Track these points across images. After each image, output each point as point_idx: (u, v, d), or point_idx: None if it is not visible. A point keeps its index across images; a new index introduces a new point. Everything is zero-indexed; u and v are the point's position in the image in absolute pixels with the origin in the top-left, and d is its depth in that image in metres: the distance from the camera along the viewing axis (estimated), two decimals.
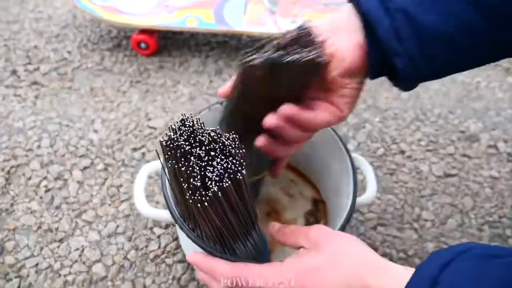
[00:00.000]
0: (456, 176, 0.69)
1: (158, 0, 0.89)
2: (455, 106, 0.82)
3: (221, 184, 0.34)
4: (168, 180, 0.42)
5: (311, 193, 0.63)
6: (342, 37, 0.37)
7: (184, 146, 0.35)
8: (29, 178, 0.68)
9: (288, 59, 0.36)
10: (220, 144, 0.37)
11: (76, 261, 0.59)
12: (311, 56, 0.36)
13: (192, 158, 0.35)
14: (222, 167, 0.35)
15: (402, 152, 0.73)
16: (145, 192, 0.66)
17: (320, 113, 0.40)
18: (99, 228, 0.63)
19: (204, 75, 0.86)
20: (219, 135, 0.37)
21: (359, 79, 0.39)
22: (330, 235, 0.36)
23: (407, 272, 0.30)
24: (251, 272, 0.37)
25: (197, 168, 0.34)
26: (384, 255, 0.60)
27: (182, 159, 0.35)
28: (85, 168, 0.70)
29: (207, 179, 0.34)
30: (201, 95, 0.82)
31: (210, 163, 0.35)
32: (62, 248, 0.61)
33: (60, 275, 0.58)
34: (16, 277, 0.58)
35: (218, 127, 0.38)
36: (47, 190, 0.67)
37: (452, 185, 0.68)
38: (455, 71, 0.39)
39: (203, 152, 0.35)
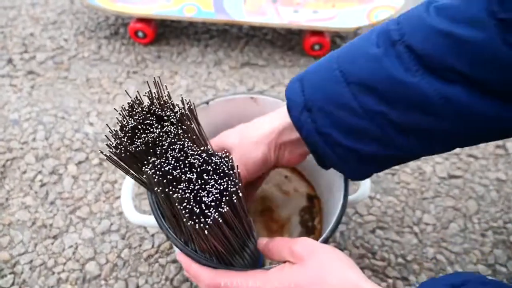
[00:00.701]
0: (461, 178, 0.67)
1: None
2: None
3: (219, 209, 0.32)
4: (154, 203, 0.41)
5: (306, 190, 0.61)
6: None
7: (173, 172, 0.34)
8: (24, 172, 0.67)
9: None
10: (213, 165, 0.35)
11: (70, 258, 0.59)
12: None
13: (182, 184, 0.33)
14: (218, 190, 0.33)
15: None
16: (137, 191, 0.65)
17: None
18: (93, 225, 0.62)
19: (203, 66, 0.83)
20: (210, 155, 0.35)
21: None
22: (314, 250, 0.36)
23: None
24: (233, 279, 0.37)
25: (190, 193, 0.33)
26: (382, 259, 0.58)
27: (173, 185, 0.33)
28: (80, 162, 0.69)
29: (203, 204, 0.33)
30: (198, 87, 0.79)
31: (203, 186, 0.34)
32: (56, 245, 0.60)
33: (53, 273, 0.58)
34: (10, 273, 0.57)
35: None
36: (42, 185, 0.66)
37: (456, 187, 0.66)
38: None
39: (194, 174, 0.34)
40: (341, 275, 0.33)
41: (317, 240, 0.40)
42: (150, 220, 0.50)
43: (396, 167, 0.68)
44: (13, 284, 0.57)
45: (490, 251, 0.59)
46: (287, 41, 0.90)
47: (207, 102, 0.55)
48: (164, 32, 0.90)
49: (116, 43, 0.86)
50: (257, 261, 0.47)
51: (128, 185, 0.51)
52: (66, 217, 0.63)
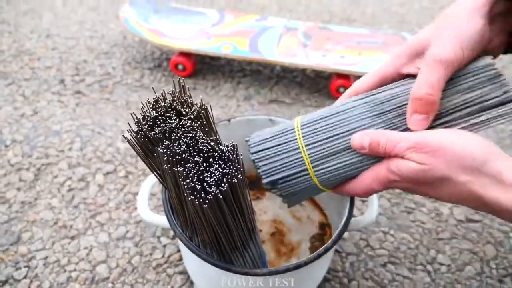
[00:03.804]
0: (480, 222, 0.65)
1: (200, 27, 0.94)
2: None
3: (220, 188, 0.35)
4: (166, 188, 0.44)
5: (319, 218, 0.62)
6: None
7: (182, 154, 0.37)
8: (56, 177, 0.72)
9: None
10: (219, 152, 0.38)
11: (82, 259, 0.61)
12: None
13: (189, 165, 0.36)
14: (220, 173, 0.36)
15: None
16: (154, 201, 0.68)
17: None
18: (110, 230, 0.64)
19: (233, 100, 0.88)
20: (218, 144, 0.39)
21: None
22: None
23: None
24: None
25: (195, 172, 0.35)
26: None
27: (180, 163, 0.36)
28: (107, 173, 0.73)
29: (205, 183, 0.35)
30: (227, 117, 0.84)
31: (208, 169, 0.36)
32: (72, 245, 0.63)
33: (65, 270, 0.60)
34: (25, 266, 0.60)
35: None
36: (70, 190, 0.70)
37: (474, 231, 0.64)
38: None
39: (201, 158, 0.37)
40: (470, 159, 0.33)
41: None
42: (160, 220, 0.52)
43: (413, 205, 0.68)
44: (25, 277, 0.59)
45: None
46: (315, 84, 0.94)
47: (228, 120, 0.59)
48: (202, 68, 0.97)
49: (158, 74, 0.94)
50: (258, 267, 0.47)
51: (146, 186, 0.54)
52: (86, 220, 0.66)
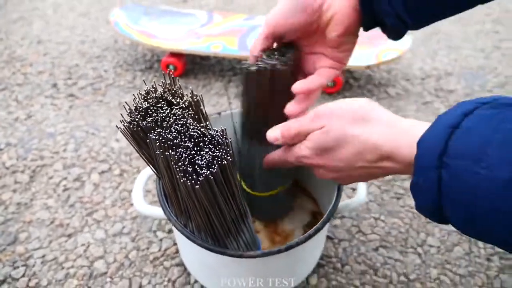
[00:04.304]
0: None
1: (189, 27, 0.96)
2: None
3: (210, 169, 0.36)
4: (160, 177, 0.45)
5: (311, 207, 0.63)
6: (338, 2, 0.43)
7: (174, 140, 0.38)
8: (51, 178, 0.73)
9: (261, 66, 0.45)
10: (209, 137, 0.39)
11: (80, 255, 0.62)
12: (277, 64, 0.44)
13: (180, 149, 0.38)
14: (211, 156, 0.37)
15: None
16: (150, 198, 0.69)
17: (324, 72, 0.47)
18: (107, 227, 0.65)
19: (224, 97, 0.90)
20: (208, 130, 0.40)
21: (355, 36, 0.45)
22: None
23: (418, 127, 0.33)
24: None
25: (187, 156, 0.37)
26: (384, 277, 0.58)
27: (172, 148, 0.37)
28: (102, 172, 0.74)
29: (197, 166, 0.37)
30: None
31: (199, 153, 0.38)
32: (69, 243, 0.63)
33: (63, 268, 0.60)
34: (23, 265, 0.61)
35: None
36: (65, 189, 0.71)
37: None
38: (437, 20, 0.43)
39: (192, 143, 0.38)
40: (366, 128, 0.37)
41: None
42: (154, 211, 0.53)
43: (402, 191, 0.70)
44: (23, 275, 0.60)
45: (496, 275, 0.58)
46: None
47: (219, 113, 0.61)
48: (193, 68, 0.99)
49: (150, 75, 0.96)
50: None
51: (141, 179, 0.55)
52: (82, 218, 0.67)
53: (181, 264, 0.60)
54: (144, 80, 0.56)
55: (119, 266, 0.61)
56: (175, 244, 0.63)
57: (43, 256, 0.62)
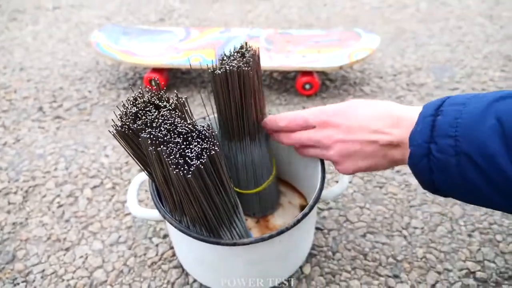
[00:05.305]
0: None
1: (168, 44, 0.99)
2: None
3: (200, 160, 0.39)
4: (152, 177, 0.48)
5: (299, 201, 0.66)
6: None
7: (164, 137, 0.41)
8: (44, 196, 0.74)
9: (227, 68, 0.48)
10: (196, 132, 0.43)
11: (79, 267, 0.63)
12: (242, 66, 0.48)
13: (171, 145, 0.41)
14: (199, 148, 0.40)
15: None
16: (143, 206, 0.71)
17: None
18: (103, 238, 0.67)
19: (208, 107, 0.93)
20: (194, 126, 0.43)
21: None
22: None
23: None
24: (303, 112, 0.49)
25: (177, 150, 0.40)
26: (373, 260, 0.61)
27: (163, 145, 0.40)
28: (95, 187, 0.76)
29: (187, 158, 0.40)
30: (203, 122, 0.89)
31: (188, 146, 0.41)
32: (67, 256, 0.65)
33: (63, 280, 0.62)
34: (23, 281, 0.62)
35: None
36: (59, 206, 0.73)
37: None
38: None
39: (181, 139, 0.41)
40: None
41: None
42: (149, 213, 0.56)
43: (384, 180, 0.73)
44: None
45: (478, 249, 0.61)
46: (283, 84, 1.00)
47: (204, 118, 0.64)
48: (175, 82, 1.02)
49: (133, 92, 0.98)
50: None
51: (134, 185, 0.58)
52: (79, 232, 0.68)
53: (178, 266, 0.62)
54: (130, 86, 0.59)
55: (118, 273, 0.62)
56: (171, 248, 0.65)
57: (43, 271, 0.63)
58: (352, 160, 0.45)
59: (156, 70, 0.96)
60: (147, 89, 0.49)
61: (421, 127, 0.37)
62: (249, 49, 0.52)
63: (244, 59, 0.49)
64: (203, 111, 0.92)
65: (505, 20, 1.28)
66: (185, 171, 0.38)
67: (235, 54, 0.51)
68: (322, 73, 1.03)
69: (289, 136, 0.52)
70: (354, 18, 1.35)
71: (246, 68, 0.48)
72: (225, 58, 0.51)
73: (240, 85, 0.50)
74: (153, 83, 0.96)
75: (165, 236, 0.67)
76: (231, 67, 0.48)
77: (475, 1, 1.42)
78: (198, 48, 0.97)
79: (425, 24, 1.29)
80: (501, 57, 1.09)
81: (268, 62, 0.91)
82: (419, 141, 0.37)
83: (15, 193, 0.75)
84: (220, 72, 0.49)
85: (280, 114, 0.52)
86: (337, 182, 0.74)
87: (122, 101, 0.47)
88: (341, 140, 0.45)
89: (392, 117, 0.41)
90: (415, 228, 0.65)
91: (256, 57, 0.51)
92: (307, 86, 0.93)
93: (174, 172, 0.38)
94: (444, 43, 1.17)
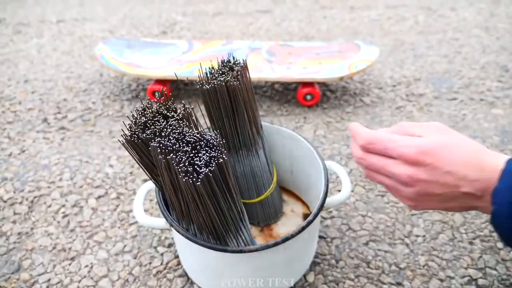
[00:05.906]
0: None
1: (172, 56, 1.01)
2: None
3: (209, 168, 0.40)
4: (160, 186, 0.49)
5: (302, 209, 0.67)
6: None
7: (173, 146, 0.42)
8: (49, 206, 0.75)
9: (215, 83, 0.50)
10: (205, 141, 0.44)
11: (84, 276, 0.64)
12: (230, 80, 0.49)
13: (180, 153, 0.42)
14: (208, 156, 0.42)
15: None
16: (149, 211, 0.72)
17: None
18: (108, 247, 0.68)
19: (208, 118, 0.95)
20: (203, 135, 0.44)
21: None
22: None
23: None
24: (387, 138, 0.41)
25: (186, 158, 0.41)
26: (376, 268, 0.61)
27: (172, 153, 0.42)
28: (99, 197, 0.77)
29: (196, 166, 0.41)
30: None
31: (197, 155, 0.42)
32: (73, 266, 0.65)
33: None
34: None
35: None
36: (64, 216, 0.73)
37: None
38: None
39: (190, 147, 0.42)
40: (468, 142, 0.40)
41: None
42: (155, 222, 0.56)
43: (384, 189, 0.74)
44: None
45: (480, 256, 0.62)
46: (284, 95, 1.02)
47: (208, 128, 0.65)
48: (178, 94, 1.03)
49: (137, 103, 1.00)
50: None
51: (141, 194, 0.59)
52: (84, 241, 0.69)
53: (184, 274, 0.63)
54: (138, 96, 0.60)
55: (124, 282, 0.63)
56: (176, 257, 0.65)
57: (49, 280, 0.63)
58: (430, 201, 0.42)
59: (159, 81, 0.97)
60: (155, 100, 0.50)
61: (507, 185, 0.36)
62: (237, 62, 0.53)
63: (233, 73, 0.50)
64: (206, 121, 0.93)
65: (501, 31, 1.30)
66: (194, 179, 0.39)
67: (223, 68, 0.52)
68: (323, 84, 1.04)
69: (364, 155, 0.44)
70: (353, 30, 1.37)
71: (235, 82, 0.49)
72: (213, 71, 0.52)
73: (231, 99, 0.51)
74: (157, 94, 0.97)
75: (170, 245, 0.67)
76: (219, 82, 0.49)
77: (471, 14, 1.45)
78: (200, 60, 0.99)
79: (424, 36, 1.31)
80: (498, 68, 1.11)
81: (270, 73, 0.93)
82: (503, 199, 0.36)
83: (21, 203, 0.76)
84: (208, 87, 0.50)
85: (362, 130, 0.44)
86: (339, 191, 0.75)
87: (131, 111, 0.49)
88: (424, 180, 0.40)
89: (479, 165, 0.38)
90: (417, 236, 0.66)
91: (245, 70, 0.52)
92: (308, 97, 0.94)
93: (184, 179, 0.39)
94: (442, 54, 1.20)
